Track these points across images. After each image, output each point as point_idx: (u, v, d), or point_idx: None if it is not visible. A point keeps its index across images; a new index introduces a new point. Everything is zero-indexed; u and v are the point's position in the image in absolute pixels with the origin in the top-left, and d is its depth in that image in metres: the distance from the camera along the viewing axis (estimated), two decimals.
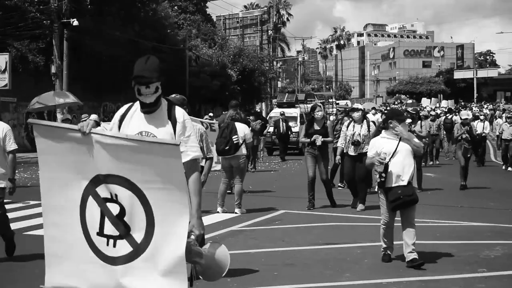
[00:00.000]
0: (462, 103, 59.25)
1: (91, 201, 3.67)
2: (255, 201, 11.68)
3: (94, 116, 16.44)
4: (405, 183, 6.86)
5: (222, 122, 12.49)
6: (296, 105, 28.28)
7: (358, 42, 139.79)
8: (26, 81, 27.31)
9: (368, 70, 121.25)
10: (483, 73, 75.82)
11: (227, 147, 10.14)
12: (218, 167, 10.98)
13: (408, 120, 11.09)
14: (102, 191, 3.63)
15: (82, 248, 3.69)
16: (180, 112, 3.99)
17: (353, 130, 10.82)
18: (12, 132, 7.18)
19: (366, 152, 8.41)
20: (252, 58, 47.86)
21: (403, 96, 69.22)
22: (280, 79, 78.15)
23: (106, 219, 3.62)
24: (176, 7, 47.14)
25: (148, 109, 3.89)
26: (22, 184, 15.34)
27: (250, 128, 18.25)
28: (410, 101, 53.98)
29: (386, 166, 6.90)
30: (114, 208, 3.60)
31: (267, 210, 10.78)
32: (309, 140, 10.87)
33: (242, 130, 10.40)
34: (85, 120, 15.49)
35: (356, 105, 13.08)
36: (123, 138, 3.61)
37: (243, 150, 10.36)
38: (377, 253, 7.37)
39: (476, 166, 20.71)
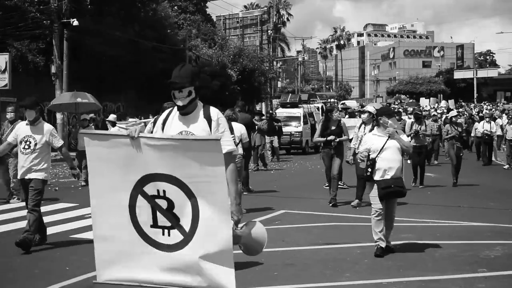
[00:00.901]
0: (463, 103, 59.25)
1: (140, 199, 4.07)
2: (255, 201, 11.68)
3: (112, 116, 16.46)
4: (389, 177, 7.34)
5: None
6: (299, 105, 28.46)
7: (358, 42, 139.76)
8: (26, 81, 27.28)
9: (368, 70, 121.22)
10: (483, 73, 75.80)
11: None
12: None
13: (398, 116, 11.57)
14: (150, 189, 4.04)
15: (134, 241, 4.09)
16: (214, 112, 4.45)
17: (364, 131, 11.10)
18: (55, 131, 8.16)
19: None
20: (252, 58, 47.84)
21: (403, 96, 69.27)
22: (280, 79, 78.16)
23: (158, 212, 4.05)
24: (176, 7, 47.14)
25: (183, 110, 4.36)
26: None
27: (257, 127, 18.35)
28: (410, 100, 54.07)
29: (374, 161, 7.41)
30: (162, 203, 4.01)
31: (267, 210, 10.78)
32: (324, 139, 11.22)
33: (239, 130, 10.39)
34: (83, 120, 15.49)
35: (366, 107, 13.41)
36: (168, 139, 4.05)
37: (240, 150, 10.35)
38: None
39: (482, 165, 20.81)
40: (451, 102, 51.82)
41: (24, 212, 10.64)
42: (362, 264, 6.80)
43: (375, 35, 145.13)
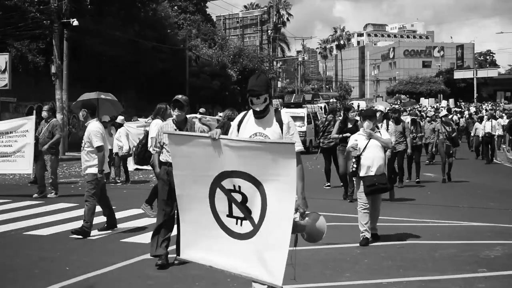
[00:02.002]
0: (463, 103, 59.25)
1: (218, 191, 4.59)
2: None
3: (120, 118, 16.64)
4: (373, 173, 8.02)
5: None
6: (303, 105, 28.65)
7: (358, 42, 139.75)
8: (26, 81, 27.30)
9: (368, 70, 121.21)
10: (483, 73, 75.79)
11: None
12: None
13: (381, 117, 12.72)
14: (227, 184, 4.54)
15: (212, 227, 4.64)
16: (285, 116, 4.95)
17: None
18: (97, 132, 8.55)
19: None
20: (252, 58, 47.88)
21: (403, 96, 69.22)
22: (280, 79, 78.12)
23: (233, 204, 4.56)
24: (176, 7, 47.15)
25: (259, 115, 4.85)
26: (22, 183, 15.34)
27: None
28: (407, 100, 54.06)
29: (358, 158, 8.17)
30: (237, 197, 4.51)
31: None
32: (341, 136, 11.93)
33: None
34: (103, 122, 15.53)
35: (376, 107, 13.99)
36: (246, 141, 4.57)
37: None
38: (377, 253, 7.37)
39: (485, 163, 20.85)
40: (451, 101, 51.83)
41: (24, 212, 10.67)
42: (362, 264, 6.80)
43: (375, 35, 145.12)
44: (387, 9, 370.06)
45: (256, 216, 4.48)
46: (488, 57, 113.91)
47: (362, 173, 8.09)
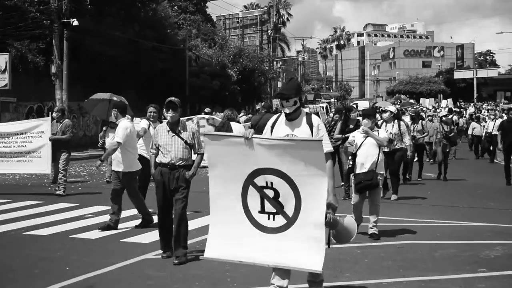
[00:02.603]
0: (463, 103, 59.20)
1: (251, 189, 4.91)
2: None
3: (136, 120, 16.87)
4: (366, 170, 8.36)
5: (254, 122, 13.98)
6: (305, 105, 28.72)
7: (358, 42, 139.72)
8: (26, 81, 27.28)
9: (368, 70, 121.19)
10: (483, 73, 75.68)
11: None
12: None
13: (381, 118, 13.40)
14: (259, 181, 4.87)
15: (244, 224, 4.95)
16: (315, 119, 5.25)
17: (385, 129, 11.98)
18: (124, 129, 8.79)
19: (398, 148, 12.17)
20: (252, 58, 47.86)
21: (403, 96, 69.15)
22: (280, 79, 78.11)
23: (265, 200, 4.88)
24: (176, 7, 47.11)
25: (289, 117, 5.17)
26: (22, 183, 15.34)
27: None
28: (406, 100, 54.07)
29: (355, 155, 8.57)
30: (270, 193, 4.85)
31: None
32: (343, 136, 12.00)
33: (237, 130, 10.38)
34: (111, 122, 15.55)
35: (387, 107, 14.53)
36: (277, 139, 4.91)
37: None
38: (377, 253, 7.37)
39: (488, 162, 20.96)
40: (450, 101, 51.80)
41: (24, 212, 10.66)
42: (362, 264, 6.80)
43: (375, 35, 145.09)
44: (387, 9, 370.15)
45: (289, 210, 4.82)
46: (488, 57, 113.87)
47: (357, 170, 8.49)
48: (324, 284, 6.05)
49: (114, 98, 18.25)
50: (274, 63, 66.06)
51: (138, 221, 9.33)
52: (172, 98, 7.10)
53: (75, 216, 10.18)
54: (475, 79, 70.19)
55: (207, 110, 23.64)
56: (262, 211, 4.92)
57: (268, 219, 4.90)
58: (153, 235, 8.38)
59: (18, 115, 27.73)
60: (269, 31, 70.89)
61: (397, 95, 73.48)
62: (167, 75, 36.12)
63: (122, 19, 31.87)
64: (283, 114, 5.25)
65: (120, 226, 9.14)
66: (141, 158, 9.98)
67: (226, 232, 5.01)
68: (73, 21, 25.74)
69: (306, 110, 5.50)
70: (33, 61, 26.96)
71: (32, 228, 9.12)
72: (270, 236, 4.88)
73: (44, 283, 6.06)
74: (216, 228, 5.07)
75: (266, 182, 4.87)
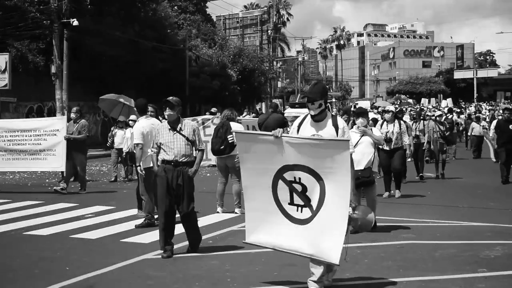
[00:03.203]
0: (463, 103, 59.16)
1: (280, 182, 5.41)
2: None
3: (133, 117, 16.93)
4: (362, 167, 8.65)
5: (261, 121, 14.11)
6: None
7: (358, 42, 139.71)
8: (26, 81, 27.28)
9: (368, 70, 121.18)
10: (483, 73, 75.71)
11: (222, 147, 10.15)
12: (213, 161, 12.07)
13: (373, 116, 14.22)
14: (288, 176, 5.37)
15: (275, 214, 5.47)
16: (340, 121, 5.66)
17: (387, 128, 12.53)
18: (138, 130, 8.99)
19: (399, 146, 12.42)
20: (252, 58, 47.82)
21: (403, 96, 69.17)
22: (280, 79, 78.10)
23: (294, 194, 5.37)
24: (176, 7, 47.09)
25: (315, 118, 5.56)
26: (22, 183, 15.34)
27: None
28: (406, 100, 54.19)
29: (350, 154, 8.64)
30: (298, 187, 5.34)
31: None
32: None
33: (238, 130, 10.38)
34: (119, 121, 15.69)
35: (388, 107, 15.13)
36: (305, 138, 5.38)
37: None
38: (377, 253, 7.37)
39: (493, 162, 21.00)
40: (449, 101, 51.82)
41: (24, 212, 10.67)
42: (362, 264, 6.79)
43: (375, 35, 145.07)
44: (387, 9, 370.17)
45: (314, 203, 5.28)
46: (488, 57, 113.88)
47: (353, 168, 8.74)
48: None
49: (121, 100, 18.66)
50: (274, 63, 66.05)
51: (139, 221, 9.34)
52: (169, 98, 7.29)
53: (75, 216, 10.18)
54: (475, 79, 70.22)
55: (213, 110, 23.70)
56: (292, 203, 5.40)
57: (297, 210, 5.38)
58: (153, 235, 8.38)
59: (18, 115, 27.74)
60: (269, 31, 70.87)
61: (397, 95, 73.51)
62: (167, 75, 36.10)
63: (122, 19, 31.85)
64: (309, 116, 5.59)
65: (120, 226, 9.14)
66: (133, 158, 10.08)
67: (261, 220, 5.61)
68: (73, 21, 25.73)
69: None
70: (33, 61, 26.96)
71: (32, 228, 9.12)
72: (298, 226, 5.34)
73: (44, 283, 6.06)
74: (251, 214, 5.71)
75: (294, 177, 5.33)
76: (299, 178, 5.29)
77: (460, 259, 7.02)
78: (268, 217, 5.52)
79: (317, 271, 5.44)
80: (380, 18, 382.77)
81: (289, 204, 5.41)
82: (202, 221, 9.04)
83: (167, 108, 7.18)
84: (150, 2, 35.73)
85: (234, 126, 10.31)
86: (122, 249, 7.70)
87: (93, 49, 29.21)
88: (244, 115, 28.52)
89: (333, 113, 5.89)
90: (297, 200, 5.35)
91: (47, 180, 16.09)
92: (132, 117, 15.82)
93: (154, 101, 11.26)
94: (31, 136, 13.56)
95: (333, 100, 52.48)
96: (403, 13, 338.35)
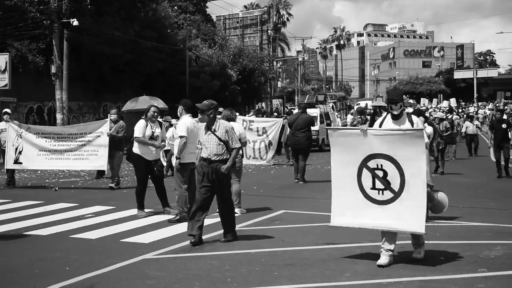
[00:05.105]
0: (462, 103, 59.15)
1: (364, 171, 6.61)
2: (255, 201, 11.67)
3: (168, 118, 17.22)
4: None
5: (291, 121, 15.41)
6: (316, 106, 29.49)
7: (358, 42, 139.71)
8: (26, 81, 27.28)
9: (368, 70, 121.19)
10: (483, 73, 75.66)
11: None
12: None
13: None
14: (372, 164, 6.57)
15: (359, 198, 6.65)
16: (415, 118, 6.92)
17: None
18: (183, 124, 9.35)
19: None
20: (252, 58, 47.78)
21: (404, 96, 69.16)
22: (280, 79, 78.07)
23: (376, 179, 6.57)
24: (176, 7, 47.11)
25: (395, 117, 6.81)
26: (22, 184, 15.33)
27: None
28: (406, 100, 54.29)
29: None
30: (379, 173, 6.54)
31: (267, 210, 10.78)
32: None
33: (237, 129, 10.38)
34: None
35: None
36: (388, 130, 6.61)
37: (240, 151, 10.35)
38: (377, 253, 7.37)
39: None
40: (453, 101, 51.80)
41: (24, 212, 10.67)
42: (362, 264, 6.79)
43: (375, 35, 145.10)
44: (387, 9, 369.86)
45: (395, 186, 6.44)
46: (488, 57, 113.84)
47: None
48: (325, 284, 6.07)
49: (152, 102, 19.22)
50: (274, 63, 66.00)
51: (139, 221, 9.33)
52: (198, 104, 8.02)
53: (75, 216, 10.18)
54: (475, 79, 70.18)
55: (221, 110, 23.79)
56: (373, 187, 6.56)
57: (378, 194, 6.54)
58: (153, 235, 8.38)
59: (18, 115, 27.74)
60: (269, 31, 70.81)
61: None
62: (167, 75, 36.10)
63: (122, 19, 31.86)
64: (389, 115, 6.84)
65: (120, 226, 9.14)
66: (140, 159, 10.09)
67: (344, 204, 6.72)
68: (73, 21, 25.73)
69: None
70: (33, 61, 26.97)
71: (32, 228, 9.12)
72: (381, 206, 6.50)
73: (44, 283, 6.06)
74: (337, 200, 6.78)
75: (377, 165, 6.51)
76: (381, 165, 6.46)
77: (460, 259, 7.02)
78: (353, 202, 6.62)
79: (389, 247, 6.64)
80: (380, 18, 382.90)
81: (371, 189, 6.56)
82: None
83: (199, 113, 8.01)
84: (150, 2, 35.75)
85: (234, 126, 10.32)
86: (122, 249, 7.70)
87: (93, 49, 29.22)
88: (250, 114, 28.62)
89: (408, 111, 7.22)
90: (379, 184, 6.50)
91: (47, 180, 16.09)
92: (167, 118, 16.41)
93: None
94: (76, 138, 14.33)
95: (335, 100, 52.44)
96: (403, 13, 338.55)
